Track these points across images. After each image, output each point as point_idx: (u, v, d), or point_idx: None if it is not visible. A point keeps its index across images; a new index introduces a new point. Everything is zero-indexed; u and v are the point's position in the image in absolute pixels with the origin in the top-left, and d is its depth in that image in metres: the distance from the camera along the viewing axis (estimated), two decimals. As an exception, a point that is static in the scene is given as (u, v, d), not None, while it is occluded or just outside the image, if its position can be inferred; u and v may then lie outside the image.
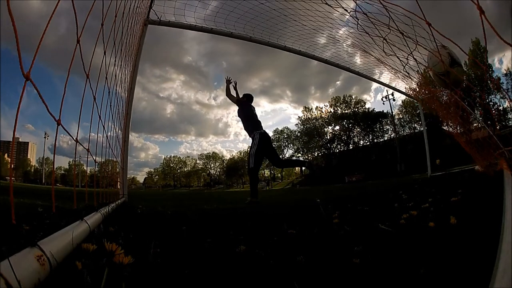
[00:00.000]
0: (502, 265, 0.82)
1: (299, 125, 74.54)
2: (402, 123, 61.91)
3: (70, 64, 1.91)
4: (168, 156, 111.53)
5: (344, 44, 8.95)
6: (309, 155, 71.81)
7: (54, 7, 1.58)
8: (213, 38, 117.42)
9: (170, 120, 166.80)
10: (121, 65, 4.51)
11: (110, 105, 3.78)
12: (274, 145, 8.11)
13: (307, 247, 1.75)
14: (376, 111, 66.01)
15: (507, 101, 45.33)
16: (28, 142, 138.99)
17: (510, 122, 43.02)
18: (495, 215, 1.54)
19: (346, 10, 4.98)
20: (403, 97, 55.51)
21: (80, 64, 2.19)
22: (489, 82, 45.19)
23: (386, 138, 63.19)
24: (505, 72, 47.30)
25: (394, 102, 55.62)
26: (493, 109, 45.17)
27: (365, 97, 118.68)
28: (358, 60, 10.23)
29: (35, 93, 1.47)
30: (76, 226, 1.61)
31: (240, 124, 8.80)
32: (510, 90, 46.03)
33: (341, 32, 7.41)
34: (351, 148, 66.34)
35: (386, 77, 11.72)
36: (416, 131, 55.14)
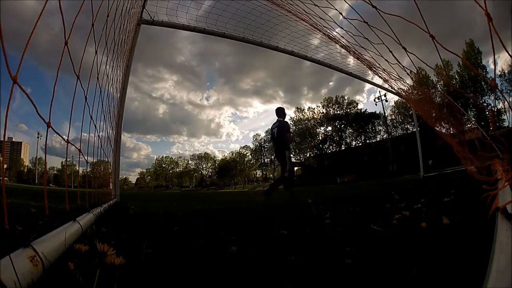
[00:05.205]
0: (496, 265, 0.82)
1: (291, 125, 74.38)
2: (394, 124, 62.03)
3: (58, 66, 1.88)
4: (160, 157, 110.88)
5: (337, 45, 8.96)
6: (301, 156, 71.80)
7: (43, 7, 1.54)
8: (206, 38, 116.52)
9: (162, 121, 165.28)
10: (113, 64, 4.48)
11: (102, 105, 3.75)
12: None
13: (298, 248, 1.75)
14: (369, 112, 66.24)
15: (501, 102, 45.60)
16: (21, 142, 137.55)
17: (504, 123, 43.27)
18: (488, 215, 1.56)
19: (340, 13, 4.99)
20: (396, 98, 56.00)
21: (73, 63, 2.17)
22: (483, 83, 45.63)
23: (378, 139, 63.34)
24: (499, 73, 47.36)
25: (386, 103, 55.96)
26: (487, 109, 45.44)
27: (357, 98, 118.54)
28: (351, 61, 10.23)
29: (29, 93, 1.44)
30: (69, 226, 1.60)
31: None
32: (505, 91, 46.29)
33: (334, 33, 7.41)
34: (343, 148, 66.40)
35: (379, 78, 11.75)
36: (408, 132, 55.25)
